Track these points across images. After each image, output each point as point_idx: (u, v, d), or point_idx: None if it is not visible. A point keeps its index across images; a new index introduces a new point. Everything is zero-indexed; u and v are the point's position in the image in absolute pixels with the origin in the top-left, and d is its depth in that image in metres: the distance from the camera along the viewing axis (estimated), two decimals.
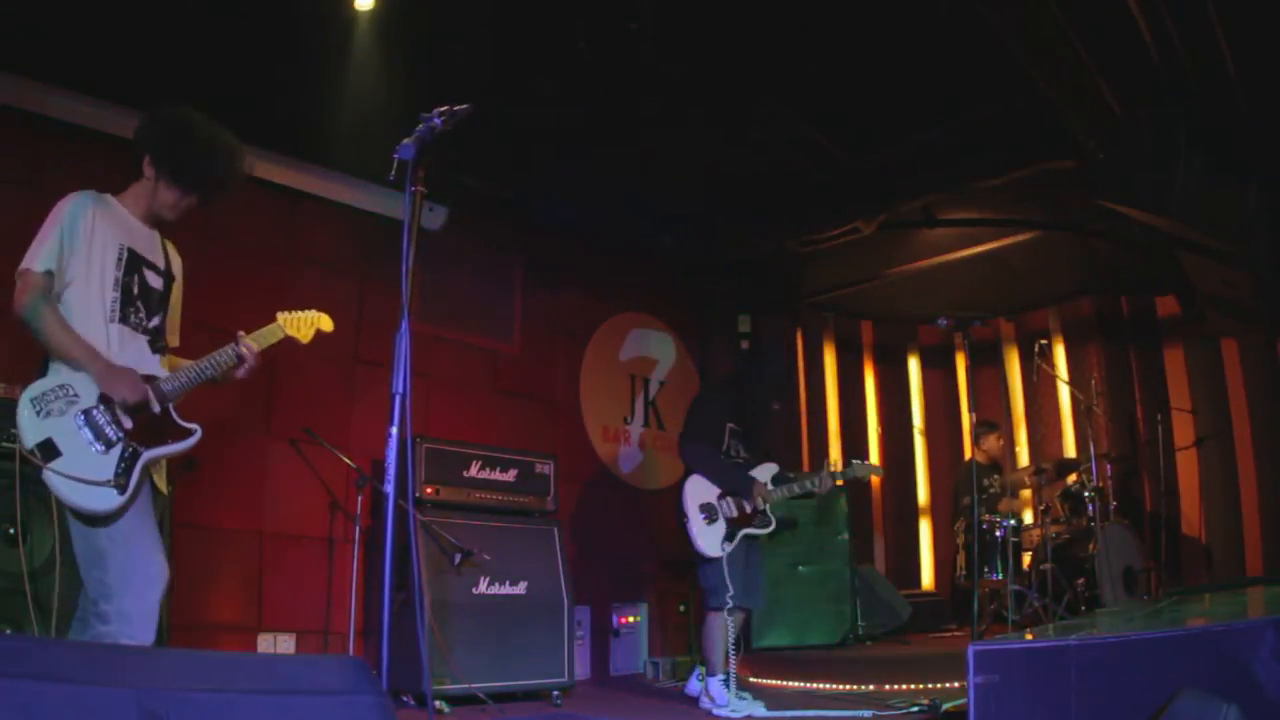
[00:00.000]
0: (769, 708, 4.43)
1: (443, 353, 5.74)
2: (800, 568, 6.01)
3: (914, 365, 8.66)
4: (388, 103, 4.30)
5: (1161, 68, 4.37)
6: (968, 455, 7.36)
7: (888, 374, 8.59)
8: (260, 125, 4.16)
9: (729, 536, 4.63)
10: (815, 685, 5.21)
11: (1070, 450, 7.39)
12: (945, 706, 3.89)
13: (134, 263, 2.77)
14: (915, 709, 4.09)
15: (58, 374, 2.60)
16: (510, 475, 5.12)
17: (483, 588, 4.72)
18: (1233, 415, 6.75)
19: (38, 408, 2.53)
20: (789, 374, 5.20)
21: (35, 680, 1.48)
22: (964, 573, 6.45)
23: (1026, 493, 7.04)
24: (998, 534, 6.11)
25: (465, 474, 4.95)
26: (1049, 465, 6.49)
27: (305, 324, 3.03)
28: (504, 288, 6.26)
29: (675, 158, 5.78)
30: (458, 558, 4.53)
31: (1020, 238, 6.68)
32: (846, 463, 5.20)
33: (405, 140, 2.40)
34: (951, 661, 4.50)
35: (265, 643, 4.72)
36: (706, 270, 7.24)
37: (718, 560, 4.56)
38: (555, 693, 4.83)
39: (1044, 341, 6.89)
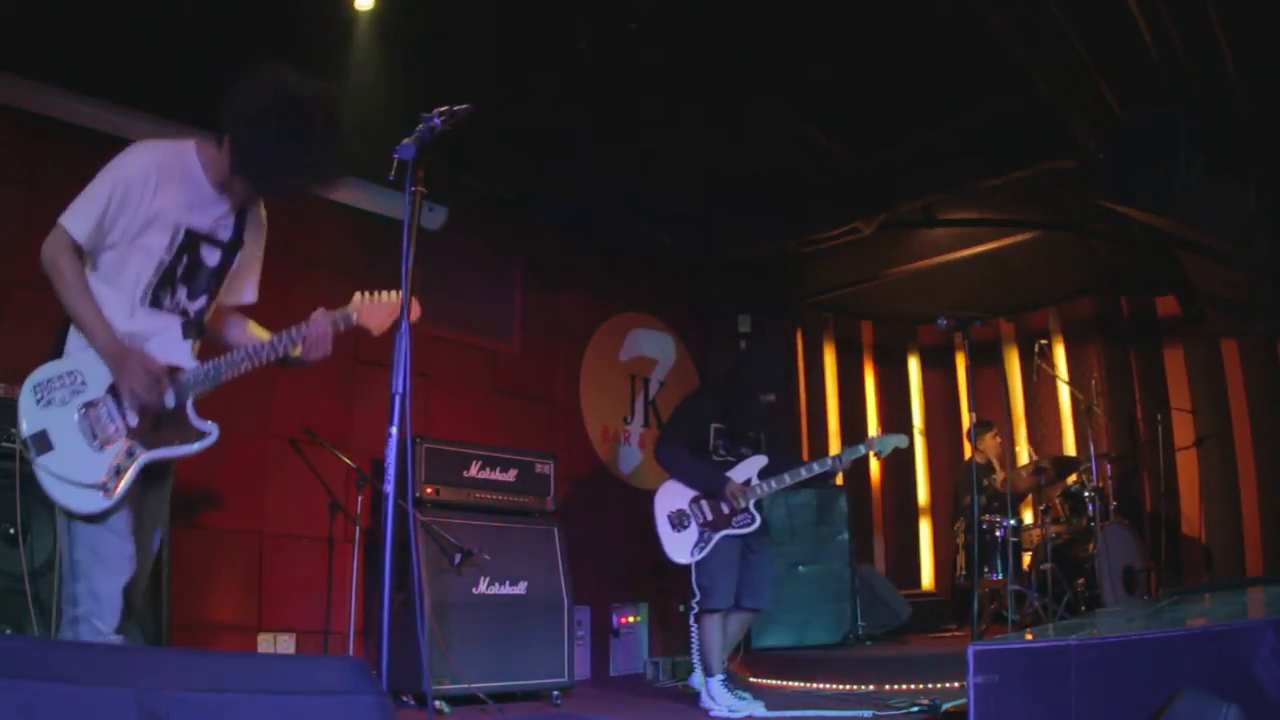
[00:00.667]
0: (769, 708, 4.43)
1: (443, 353, 5.74)
2: (800, 568, 6.01)
3: (914, 365, 8.66)
4: (388, 103, 4.30)
5: (1161, 68, 4.36)
6: (968, 455, 7.36)
7: (888, 374, 8.59)
8: None
9: (703, 541, 4.54)
10: (815, 685, 5.22)
11: (1070, 450, 7.39)
12: (945, 706, 3.88)
13: (189, 243, 2.54)
14: (915, 709, 4.09)
15: (69, 357, 2.46)
16: (510, 475, 5.12)
17: (483, 588, 4.72)
18: (1233, 415, 6.75)
19: (39, 395, 2.41)
20: (780, 362, 5.04)
21: (35, 680, 1.48)
22: (964, 573, 6.45)
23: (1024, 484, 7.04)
24: (998, 534, 6.11)
25: (465, 474, 4.95)
26: (1049, 465, 6.49)
27: (384, 312, 2.66)
28: (504, 288, 6.26)
29: (675, 158, 5.78)
30: (458, 558, 4.53)
31: (1020, 238, 6.68)
32: (863, 442, 4.79)
33: (405, 140, 2.40)
34: (951, 661, 4.50)
35: (265, 643, 4.72)
36: (706, 270, 7.24)
37: (689, 567, 4.54)
38: (555, 693, 4.83)
39: (1044, 341, 6.90)
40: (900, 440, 4.68)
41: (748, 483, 4.64)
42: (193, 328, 2.61)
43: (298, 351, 2.64)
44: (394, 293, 2.65)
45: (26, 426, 2.39)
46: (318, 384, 5.03)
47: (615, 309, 6.94)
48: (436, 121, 2.39)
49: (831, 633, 5.94)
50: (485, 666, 4.54)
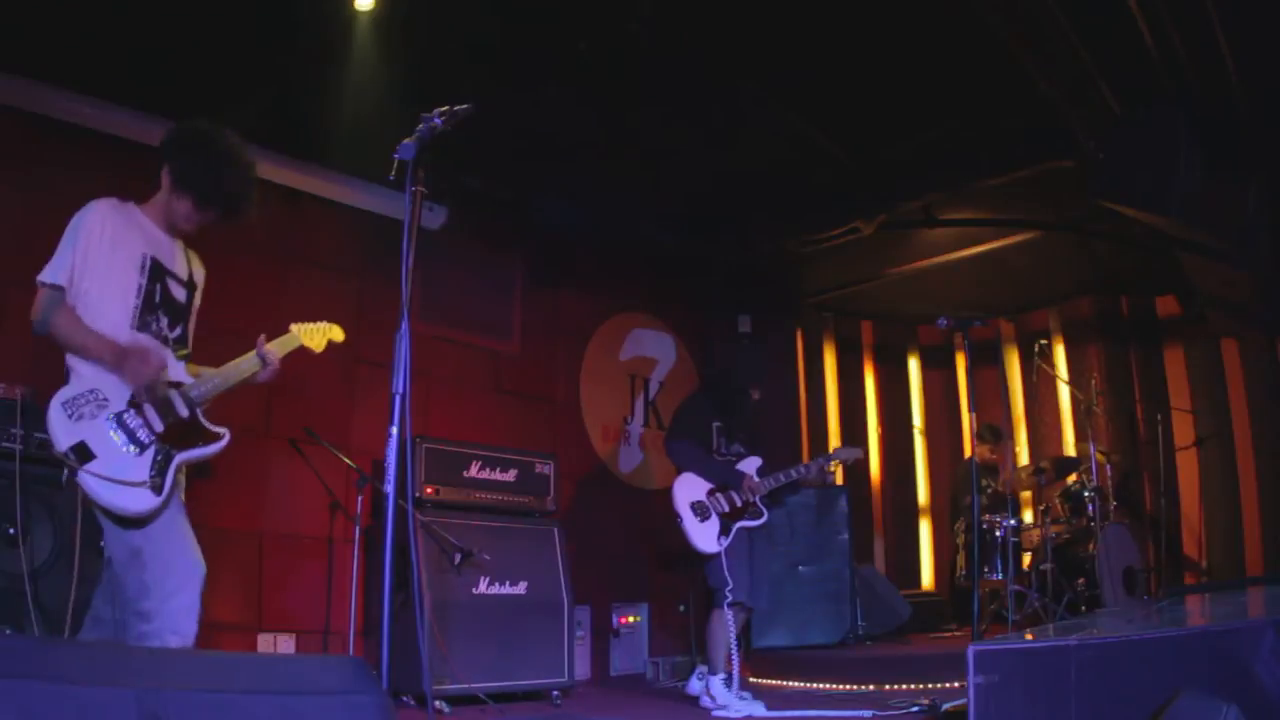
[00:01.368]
0: (769, 708, 4.44)
1: (443, 353, 5.74)
2: (800, 568, 6.01)
3: (914, 365, 8.66)
4: (388, 103, 4.30)
5: (1161, 68, 4.37)
6: (967, 455, 7.35)
7: (888, 374, 8.58)
8: (260, 125, 4.15)
9: (724, 531, 4.67)
10: (815, 685, 5.22)
11: (1070, 450, 7.39)
12: (945, 706, 3.89)
13: (157, 272, 2.79)
14: (915, 709, 4.09)
15: (82, 379, 2.62)
16: (510, 475, 5.12)
17: (483, 588, 4.72)
18: (1233, 415, 6.75)
19: (69, 411, 2.53)
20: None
21: (35, 680, 1.48)
22: (964, 573, 6.45)
23: (1026, 494, 7.04)
24: (998, 534, 6.11)
25: (465, 474, 4.95)
26: (1049, 465, 6.49)
27: (318, 334, 3.11)
28: (504, 288, 6.26)
29: (675, 157, 5.78)
30: (458, 558, 4.53)
31: (1020, 238, 6.67)
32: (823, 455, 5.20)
33: (405, 140, 2.40)
34: (951, 661, 4.50)
35: (265, 643, 4.72)
36: (706, 270, 7.24)
37: (717, 556, 4.59)
38: (555, 693, 4.83)
39: (1044, 341, 6.90)
40: (856, 453, 5.08)
41: (752, 478, 4.79)
42: (180, 354, 2.86)
43: (262, 376, 2.96)
44: (323, 323, 3.13)
45: (64, 440, 2.49)
46: (318, 384, 5.03)
47: (615, 309, 6.94)
48: (436, 121, 2.40)
49: (831, 633, 5.94)
50: (485, 666, 4.54)
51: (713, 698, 4.61)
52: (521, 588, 4.87)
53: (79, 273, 2.64)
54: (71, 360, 2.65)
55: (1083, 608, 5.79)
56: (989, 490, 6.56)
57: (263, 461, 4.83)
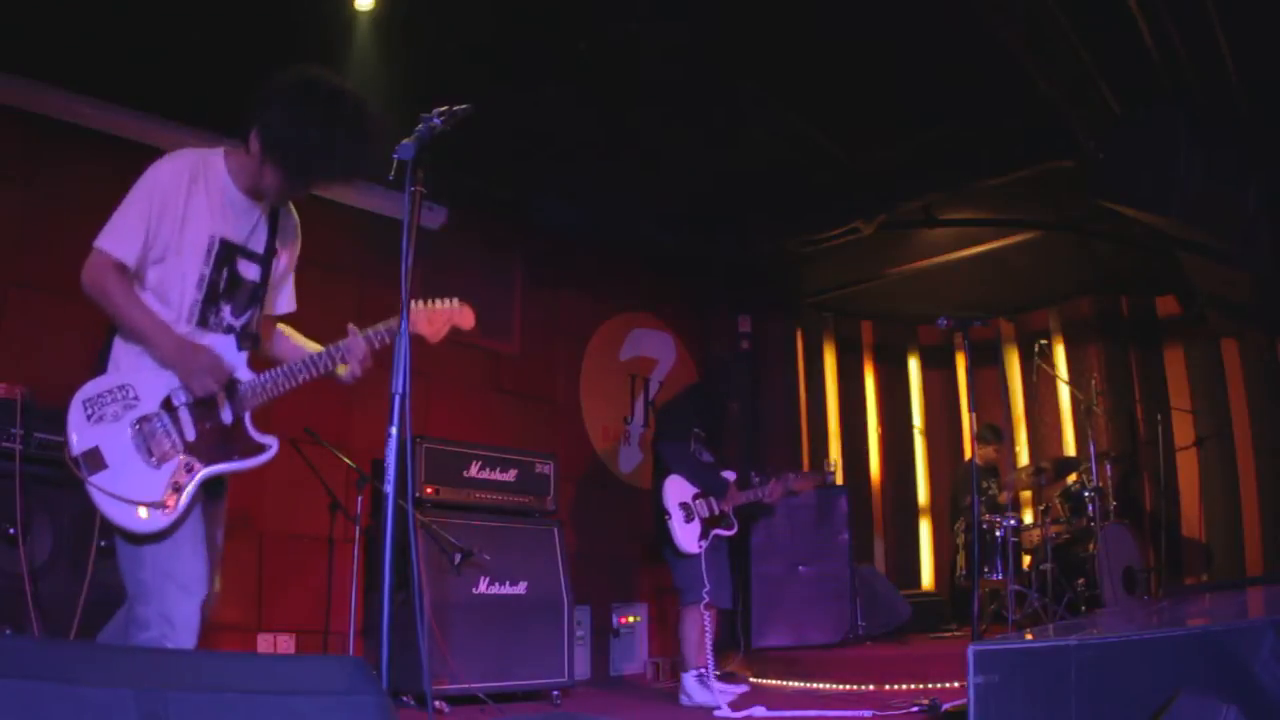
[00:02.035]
0: (769, 708, 4.44)
1: (443, 353, 5.72)
2: (800, 568, 6.01)
3: (914, 365, 8.66)
4: (387, 103, 4.30)
5: (1161, 68, 4.36)
6: (967, 455, 7.35)
7: (888, 374, 8.58)
8: None
9: (704, 534, 4.84)
10: (815, 685, 5.22)
11: (1070, 450, 7.39)
12: (945, 706, 3.89)
13: (226, 255, 2.50)
14: (915, 709, 4.09)
15: (118, 371, 2.39)
16: (510, 475, 5.12)
17: (483, 588, 4.73)
18: (1233, 415, 6.75)
19: (89, 410, 2.32)
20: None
21: (35, 680, 1.48)
22: (964, 573, 6.45)
23: (1026, 494, 7.03)
24: (998, 534, 6.11)
25: (465, 474, 4.96)
26: (1049, 465, 6.49)
27: (439, 319, 2.60)
28: (504, 288, 6.26)
29: (675, 158, 5.78)
30: (458, 557, 4.53)
31: (1020, 238, 6.67)
32: (798, 473, 5.29)
33: (405, 140, 2.40)
34: (951, 661, 4.50)
35: (265, 643, 4.73)
36: (706, 270, 7.24)
37: (695, 557, 4.75)
38: (555, 693, 4.83)
39: (1044, 341, 6.90)
40: (817, 478, 5.23)
41: (734, 489, 5.05)
42: (246, 339, 2.57)
43: (343, 370, 2.62)
44: (451, 301, 2.65)
45: (77, 443, 2.29)
46: (318, 384, 5.01)
47: (615, 309, 6.94)
48: (436, 121, 2.37)
49: (831, 633, 5.94)
50: (485, 666, 4.54)
51: (688, 694, 4.71)
52: (521, 588, 4.87)
53: (149, 245, 2.37)
54: (118, 347, 2.42)
55: (1083, 608, 5.80)
56: (989, 492, 6.56)
57: None
